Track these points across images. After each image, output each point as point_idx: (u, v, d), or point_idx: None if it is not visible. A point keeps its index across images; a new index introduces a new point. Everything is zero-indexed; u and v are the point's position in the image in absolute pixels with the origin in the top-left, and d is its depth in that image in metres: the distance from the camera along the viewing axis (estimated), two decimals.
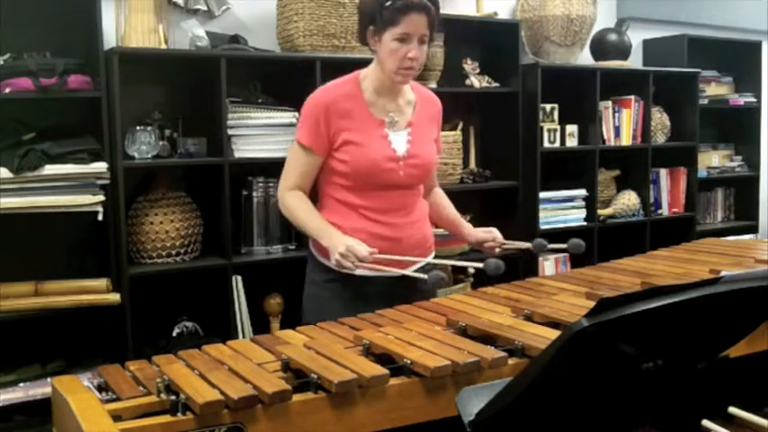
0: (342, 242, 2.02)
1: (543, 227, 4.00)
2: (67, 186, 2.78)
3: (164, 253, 3.04)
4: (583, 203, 4.14)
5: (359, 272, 2.07)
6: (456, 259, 3.63)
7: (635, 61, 4.56)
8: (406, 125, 2.19)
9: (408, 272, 2.09)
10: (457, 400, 1.08)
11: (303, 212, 2.14)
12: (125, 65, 2.89)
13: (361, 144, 2.11)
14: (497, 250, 2.32)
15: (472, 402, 1.05)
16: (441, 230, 3.60)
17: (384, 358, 1.54)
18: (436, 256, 2.35)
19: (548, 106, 4.00)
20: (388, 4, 2.02)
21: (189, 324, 3.17)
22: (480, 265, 2.07)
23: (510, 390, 1.01)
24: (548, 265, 4.05)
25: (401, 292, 2.12)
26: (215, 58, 3.05)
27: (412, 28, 2.03)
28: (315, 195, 2.26)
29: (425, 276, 1.98)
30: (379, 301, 2.10)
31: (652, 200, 4.44)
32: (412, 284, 2.10)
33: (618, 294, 0.98)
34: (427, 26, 2.06)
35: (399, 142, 2.16)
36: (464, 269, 3.75)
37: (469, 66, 3.88)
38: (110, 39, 3.07)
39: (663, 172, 4.53)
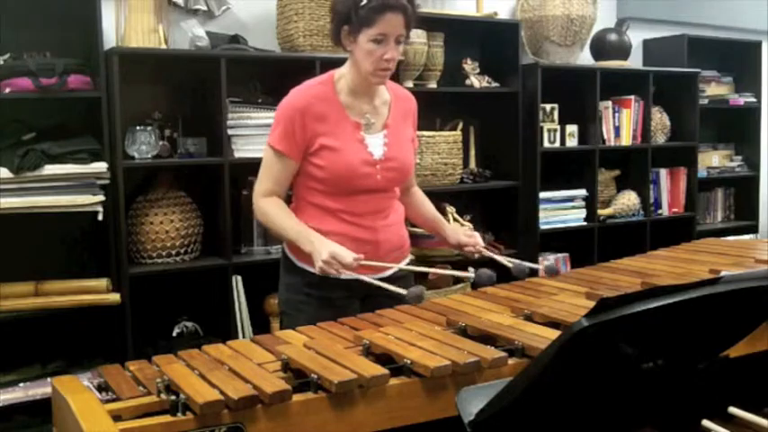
0: (325, 248, 1.95)
1: (543, 227, 4.00)
2: (67, 186, 2.79)
3: (164, 253, 3.04)
4: (583, 203, 4.14)
5: (365, 279, 2.04)
6: (455, 257, 3.64)
7: (635, 61, 4.56)
8: (382, 127, 2.14)
9: (390, 287, 2.00)
10: (457, 400, 1.08)
11: (281, 218, 2.07)
12: (125, 65, 2.90)
13: (337, 149, 2.05)
14: (476, 256, 2.27)
15: (472, 402, 1.05)
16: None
17: (384, 358, 1.53)
18: (421, 262, 2.31)
19: (548, 106, 4.00)
20: (363, 3, 1.95)
21: (189, 324, 3.17)
22: (471, 275, 2.05)
23: (510, 390, 1.01)
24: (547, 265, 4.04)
25: (379, 296, 2.07)
26: (215, 58, 3.05)
27: (389, 28, 1.97)
28: (289, 198, 2.22)
29: (404, 292, 1.94)
30: (357, 301, 2.09)
31: (652, 200, 4.44)
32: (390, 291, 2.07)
33: (618, 294, 0.98)
34: (404, 26, 2.00)
35: (376, 145, 2.10)
36: (464, 270, 3.75)
37: (469, 66, 3.88)
38: (110, 39, 3.07)
39: (663, 172, 4.53)
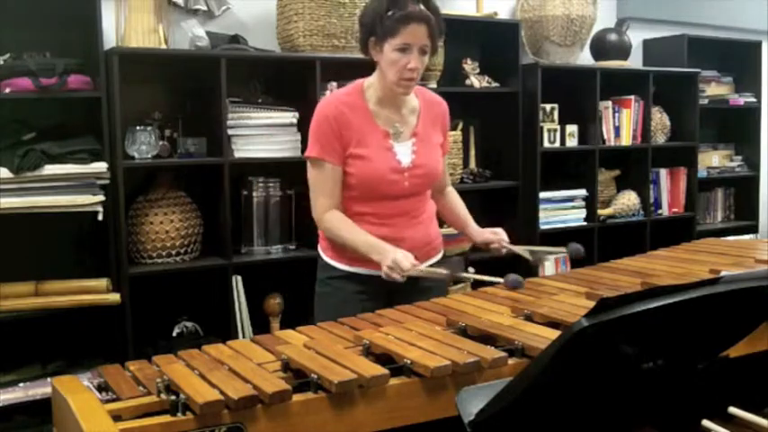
0: (389, 256, 2.03)
1: (543, 227, 4.00)
2: (67, 186, 2.79)
3: (164, 253, 3.04)
4: (583, 203, 4.14)
5: (362, 270, 2.14)
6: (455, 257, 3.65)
7: (635, 61, 4.56)
8: (410, 135, 2.19)
9: (482, 277, 2.13)
10: (457, 400, 1.08)
11: (347, 232, 2.13)
12: (125, 65, 2.90)
13: (366, 157, 2.11)
14: (504, 251, 2.32)
15: (472, 402, 1.05)
16: (443, 230, 3.61)
17: (384, 358, 1.53)
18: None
19: (548, 106, 4.00)
20: (388, 14, 2.01)
21: (189, 324, 3.17)
22: (500, 280, 2.09)
23: (510, 390, 1.01)
24: (548, 265, 4.05)
25: (405, 288, 2.13)
26: (215, 58, 3.05)
27: (412, 38, 2.03)
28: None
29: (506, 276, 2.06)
30: (382, 297, 2.14)
31: (652, 200, 4.44)
32: (421, 283, 2.16)
33: (618, 294, 0.98)
34: (428, 36, 2.05)
35: (404, 153, 2.16)
36: (465, 270, 3.76)
37: (469, 66, 3.88)
38: (110, 39, 3.07)
39: (663, 172, 4.53)
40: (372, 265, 2.10)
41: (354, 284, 2.17)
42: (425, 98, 2.27)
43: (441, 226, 2.42)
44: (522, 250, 2.33)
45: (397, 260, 2.01)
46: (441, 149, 2.29)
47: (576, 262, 3.94)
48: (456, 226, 2.50)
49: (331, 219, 2.15)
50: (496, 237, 2.31)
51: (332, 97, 2.20)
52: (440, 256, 2.32)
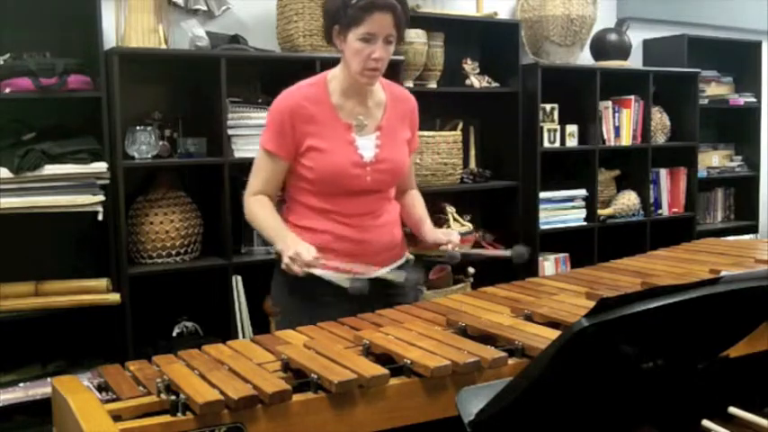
0: (292, 246, 1.95)
1: (543, 227, 4.00)
2: (67, 186, 2.79)
3: (164, 253, 3.04)
4: (583, 203, 4.14)
5: (317, 272, 1.98)
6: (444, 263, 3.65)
7: (635, 61, 4.56)
8: (375, 129, 2.13)
9: (380, 273, 2.01)
10: (457, 400, 1.08)
11: (263, 218, 2.09)
12: (125, 65, 2.90)
13: (325, 150, 2.05)
14: (456, 250, 2.21)
15: (472, 402, 1.05)
16: (443, 230, 3.61)
17: (384, 358, 1.53)
18: (420, 257, 2.31)
19: (548, 106, 4.00)
20: (352, 2, 1.96)
21: (189, 324, 3.17)
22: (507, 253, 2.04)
23: (510, 390, 1.01)
24: (548, 265, 4.05)
25: (372, 292, 2.03)
26: (215, 58, 3.05)
27: (376, 27, 1.97)
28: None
29: (349, 284, 1.94)
30: (349, 301, 2.02)
31: (652, 200, 4.44)
32: (383, 285, 2.07)
33: (618, 294, 0.98)
34: (393, 26, 1.99)
35: (367, 147, 2.10)
36: (464, 270, 3.76)
37: (469, 66, 3.88)
38: (110, 39, 3.07)
39: (663, 172, 4.53)
40: (338, 269, 2.00)
41: (320, 290, 2.03)
42: (393, 93, 2.21)
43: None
44: (471, 251, 2.28)
45: (299, 252, 1.93)
46: (408, 147, 2.23)
47: (576, 260, 3.95)
48: (411, 225, 2.38)
49: (256, 201, 2.10)
50: (446, 238, 2.21)
51: (293, 89, 2.13)
52: (403, 259, 2.24)
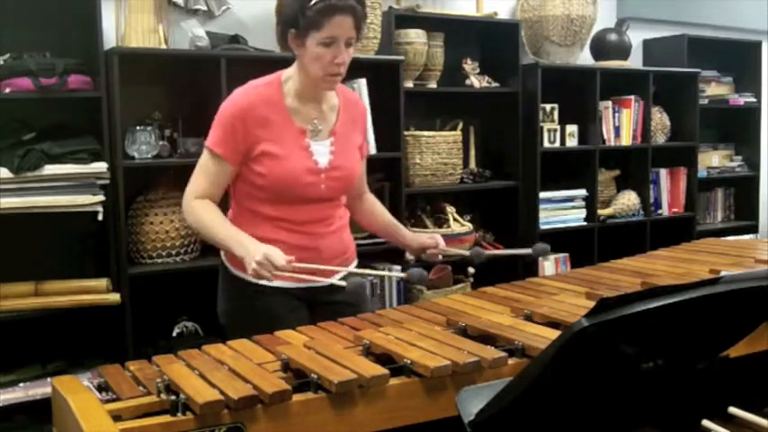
0: (258, 250, 1.84)
1: (543, 227, 4.00)
2: (67, 186, 2.78)
3: (164, 253, 3.04)
4: (583, 203, 4.14)
5: (276, 283, 1.93)
6: (444, 263, 3.65)
7: (635, 61, 4.56)
8: (329, 134, 2.05)
9: (333, 280, 1.94)
10: (457, 400, 1.08)
11: (211, 222, 1.95)
12: (125, 65, 2.90)
13: (279, 156, 1.96)
14: (440, 257, 2.22)
15: (472, 402, 1.05)
16: (443, 231, 3.61)
17: (384, 358, 1.54)
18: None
19: (548, 106, 4.00)
20: (310, 5, 1.87)
21: (189, 324, 3.17)
22: (402, 275, 2.01)
23: (510, 390, 1.01)
24: (548, 265, 4.05)
25: (325, 299, 2.05)
26: (215, 58, 3.05)
27: (338, 31, 1.88)
28: (225, 202, 2.11)
29: (344, 284, 1.91)
30: (305, 309, 2.04)
31: (652, 200, 4.44)
32: (335, 292, 2.00)
33: (618, 294, 0.98)
34: (353, 27, 1.91)
35: (321, 153, 2.02)
36: (464, 270, 3.76)
37: (469, 66, 3.88)
38: (110, 39, 3.07)
39: (663, 172, 4.53)
40: (290, 278, 1.95)
41: (274, 300, 2.00)
42: (345, 96, 2.14)
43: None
44: (460, 251, 2.27)
45: (268, 255, 1.82)
46: (359, 152, 2.16)
47: (576, 260, 3.95)
48: (381, 234, 2.33)
49: (200, 204, 1.97)
50: (433, 241, 2.17)
51: (246, 88, 2.01)
52: (353, 265, 2.18)
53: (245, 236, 1.92)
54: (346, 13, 1.89)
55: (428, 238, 2.22)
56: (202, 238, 2.03)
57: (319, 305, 2.06)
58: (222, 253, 2.10)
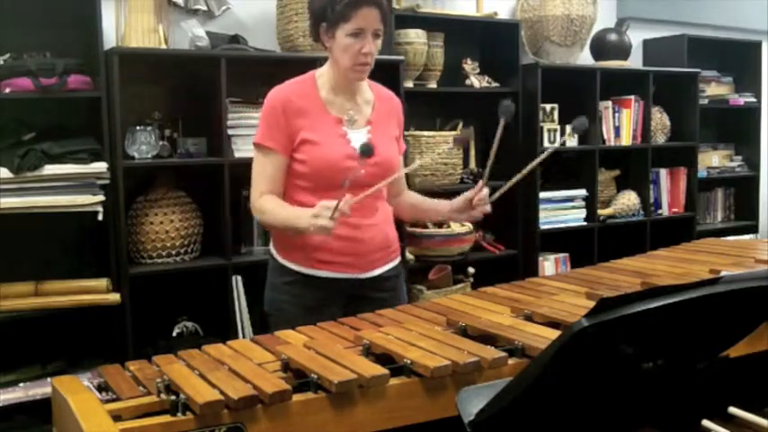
0: (313, 210, 1.93)
1: (543, 227, 4.00)
2: (67, 186, 2.79)
3: (164, 253, 3.04)
4: (583, 203, 4.14)
5: (320, 272, 2.07)
6: (456, 257, 3.65)
7: (635, 61, 4.56)
8: (365, 123, 2.15)
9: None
10: (457, 400, 1.08)
11: (278, 210, 2.05)
12: (125, 65, 2.90)
13: (318, 143, 2.06)
14: (488, 207, 2.20)
15: (472, 402, 1.05)
16: (444, 230, 3.61)
17: (384, 358, 1.53)
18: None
19: (548, 106, 4.00)
20: None
21: (189, 324, 3.17)
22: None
23: (510, 390, 1.01)
24: (548, 265, 4.05)
25: (364, 294, 2.11)
26: (215, 58, 3.05)
27: (364, 22, 2.00)
28: None
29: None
30: (342, 304, 2.08)
31: (652, 200, 4.44)
32: (380, 289, 2.12)
33: (618, 294, 0.98)
34: (380, 20, 2.02)
35: (359, 140, 2.08)
36: (464, 270, 3.76)
37: (469, 66, 3.88)
38: (110, 39, 3.07)
39: (663, 172, 4.53)
40: (333, 267, 2.07)
41: (314, 290, 2.09)
42: (380, 93, 2.24)
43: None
44: (503, 188, 2.20)
45: (319, 205, 1.91)
46: (397, 144, 2.25)
47: (576, 260, 3.95)
48: (430, 216, 2.40)
49: (266, 200, 2.07)
50: (472, 193, 2.17)
51: (282, 85, 2.14)
52: (397, 261, 2.25)
53: (300, 209, 2.01)
54: (372, 6, 2.00)
55: (467, 194, 2.20)
56: (277, 231, 2.12)
57: (359, 296, 2.11)
58: (271, 244, 2.21)
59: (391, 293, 2.19)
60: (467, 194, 2.20)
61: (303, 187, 2.09)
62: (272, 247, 2.21)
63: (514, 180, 2.21)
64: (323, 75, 2.15)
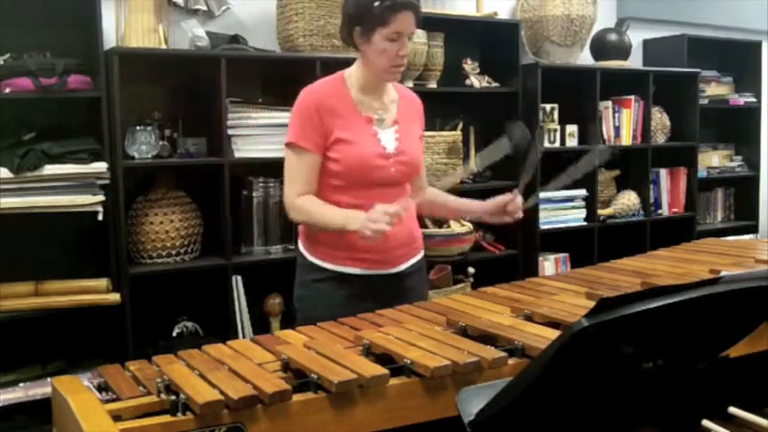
0: (366, 214, 1.97)
1: (543, 227, 4.00)
2: (67, 186, 2.78)
3: (164, 253, 3.04)
4: (583, 203, 4.14)
5: (353, 270, 2.12)
6: (456, 257, 3.65)
7: (635, 61, 4.56)
8: (392, 123, 2.20)
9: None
10: (457, 400, 1.08)
11: (323, 211, 2.09)
12: (125, 65, 2.89)
13: (351, 141, 2.10)
14: (520, 214, 2.29)
15: (472, 402, 1.05)
16: (444, 230, 3.61)
17: (384, 358, 1.54)
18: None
19: (548, 106, 4.00)
20: (377, 3, 2.02)
21: (189, 324, 3.17)
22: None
23: (510, 390, 1.01)
24: (548, 265, 4.05)
25: (392, 288, 2.15)
26: (215, 58, 3.05)
27: (402, 26, 2.04)
28: None
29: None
30: (371, 299, 2.09)
31: (652, 200, 4.44)
32: (405, 283, 2.18)
33: (618, 294, 0.98)
34: (415, 23, 2.08)
35: (388, 140, 2.16)
36: (464, 270, 3.76)
37: (469, 66, 3.88)
38: (110, 39, 3.07)
39: (663, 172, 4.53)
40: (362, 264, 2.10)
41: (345, 287, 2.13)
42: (402, 93, 2.29)
43: (442, 225, 2.38)
44: (531, 200, 2.29)
45: (377, 209, 1.94)
46: (420, 142, 2.30)
47: (576, 260, 3.95)
48: (455, 213, 2.46)
49: (303, 201, 2.10)
50: (509, 196, 2.26)
51: (314, 85, 2.18)
52: (420, 255, 2.30)
53: (357, 212, 2.03)
54: (410, 10, 2.06)
55: (500, 198, 2.28)
56: (315, 229, 2.15)
57: (386, 291, 2.14)
58: (300, 242, 2.24)
59: (416, 286, 2.24)
60: (499, 200, 2.28)
61: (334, 186, 2.13)
62: (300, 246, 2.24)
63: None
64: (351, 75, 2.18)
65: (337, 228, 2.07)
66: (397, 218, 1.96)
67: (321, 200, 2.14)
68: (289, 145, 2.13)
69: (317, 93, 2.14)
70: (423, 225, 3.64)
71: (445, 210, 2.46)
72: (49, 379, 2.71)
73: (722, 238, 3.36)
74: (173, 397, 1.32)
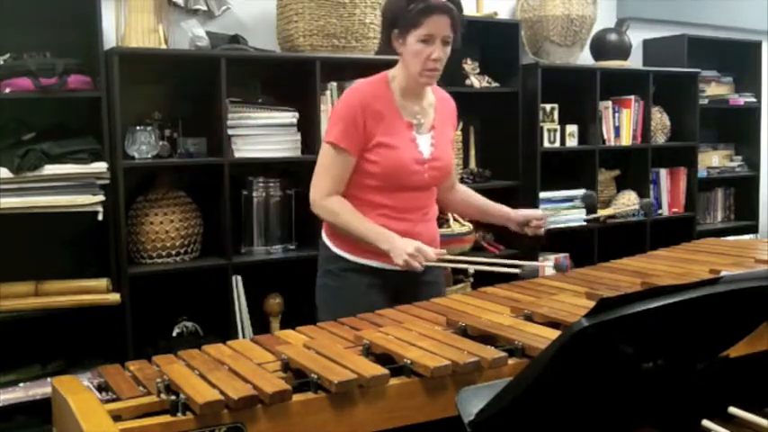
0: (407, 243, 2.05)
1: None
2: (67, 186, 2.78)
3: (164, 253, 3.04)
4: (583, 203, 4.14)
5: (375, 264, 2.16)
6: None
7: (635, 61, 4.56)
8: (429, 128, 2.23)
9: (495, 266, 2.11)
10: (457, 400, 1.08)
11: (355, 220, 2.13)
12: (125, 65, 2.89)
13: (392, 146, 2.13)
14: (542, 231, 2.35)
15: (472, 402, 1.05)
16: (444, 230, 3.61)
17: (384, 358, 1.54)
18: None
19: (548, 106, 4.00)
20: (410, 6, 2.05)
21: (189, 324, 3.17)
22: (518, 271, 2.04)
23: (510, 390, 1.01)
24: (548, 264, 4.04)
25: (412, 285, 2.19)
26: (215, 58, 3.05)
27: (434, 29, 2.07)
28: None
29: (522, 265, 2.03)
30: (392, 290, 2.18)
31: (652, 200, 4.43)
32: (426, 277, 2.21)
33: (618, 294, 0.98)
34: (450, 27, 2.09)
35: (424, 146, 2.20)
36: (464, 270, 3.75)
37: (469, 66, 3.88)
38: (110, 39, 3.07)
39: (663, 172, 4.53)
40: (385, 258, 2.12)
41: (367, 277, 2.18)
42: (439, 95, 2.32)
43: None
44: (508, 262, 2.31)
45: (419, 248, 2.03)
46: (452, 146, 2.35)
47: (576, 260, 3.95)
48: (481, 215, 2.51)
49: (336, 202, 2.14)
50: (538, 213, 2.36)
51: (360, 86, 2.21)
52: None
53: (390, 232, 2.10)
54: (443, 13, 2.07)
55: (531, 212, 2.38)
56: (339, 231, 2.19)
57: (407, 285, 2.19)
58: (324, 234, 2.28)
59: (436, 280, 2.30)
60: (528, 213, 2.36)
61: (369, 186, 2.17)
62: (325, 238, 2.27)
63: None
64: (394, 78, 2.20)
65: (363, 239, 2.12)
66: (430, 261, 2.04)
67: (357, 198, 2.17)
68: (329, 143, 2.15)
69: (363, 94, 2.15)
70: None
71: (472, 209, 2.52)
72: (49, 379, 2.71)
73: (722, 238, 3.36)
74: (173, 397, 1.32)
